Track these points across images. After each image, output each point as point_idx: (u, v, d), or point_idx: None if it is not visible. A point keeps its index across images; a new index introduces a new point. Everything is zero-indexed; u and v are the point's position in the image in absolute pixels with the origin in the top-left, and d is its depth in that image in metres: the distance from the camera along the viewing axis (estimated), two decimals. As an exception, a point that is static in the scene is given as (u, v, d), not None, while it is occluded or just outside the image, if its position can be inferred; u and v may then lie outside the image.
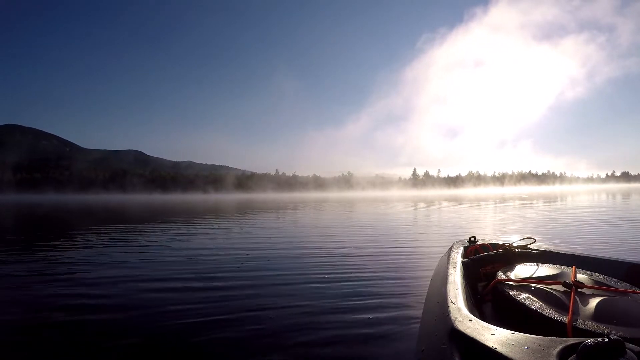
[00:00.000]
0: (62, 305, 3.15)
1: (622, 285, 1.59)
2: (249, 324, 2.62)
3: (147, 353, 2.25)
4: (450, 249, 2.34)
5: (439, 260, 2.32)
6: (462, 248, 2.33)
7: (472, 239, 2.52)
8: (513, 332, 1.00)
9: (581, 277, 1.60)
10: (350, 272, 4.16)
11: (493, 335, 1.00)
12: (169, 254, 5.62)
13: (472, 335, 1.03)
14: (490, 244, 2.42)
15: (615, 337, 0.82)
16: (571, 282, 1.49)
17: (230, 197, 60.83)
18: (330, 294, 3.32)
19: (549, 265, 1.86)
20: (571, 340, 0.90)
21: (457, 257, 2.06)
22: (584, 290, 1.47)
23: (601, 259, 2.00)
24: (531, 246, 2.25)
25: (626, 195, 32.14)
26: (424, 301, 1.98)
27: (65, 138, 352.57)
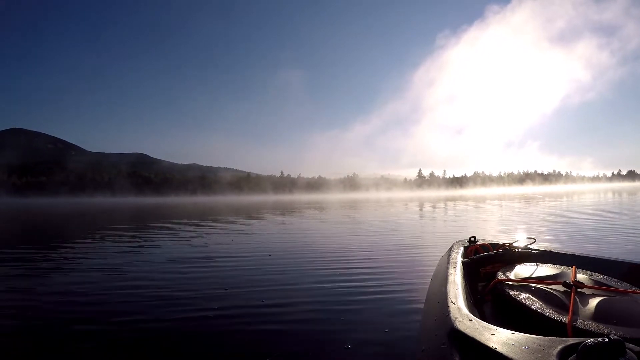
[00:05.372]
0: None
1: (622, 285, 1.59)
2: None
3: None
4: (451, 249, 2.34)
5: (439, 260, 2.31)
6: (462, 248, 2.34)
7: (472, 239, 2.52)
8: (513, 332, 1.00)
9: (581, 277, 1.60)
10: (350, 273, 4.15)
11: (493, 335, 1.00)
12: (109, 286, 3.84)
13: (472, 335, 1.03)
14: (491, 244, 2.42)
15: (616, 337, 0.82)
16: (571, 282, 1.48)
17: (219, 200, 57.28)
18: (330, 294, 3.32)
19: (549, 265, 1.86)
20: (571, 340, 0.90)
21: (457, 257, 2.06)
22: (584, 290, 1.47)
23: (601, 259, 2.00)
24: (531, 246, 2.25)
25: (632, 194, 31.92)
26: (424, 301, 1.97)
27: (70, 141, 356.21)
